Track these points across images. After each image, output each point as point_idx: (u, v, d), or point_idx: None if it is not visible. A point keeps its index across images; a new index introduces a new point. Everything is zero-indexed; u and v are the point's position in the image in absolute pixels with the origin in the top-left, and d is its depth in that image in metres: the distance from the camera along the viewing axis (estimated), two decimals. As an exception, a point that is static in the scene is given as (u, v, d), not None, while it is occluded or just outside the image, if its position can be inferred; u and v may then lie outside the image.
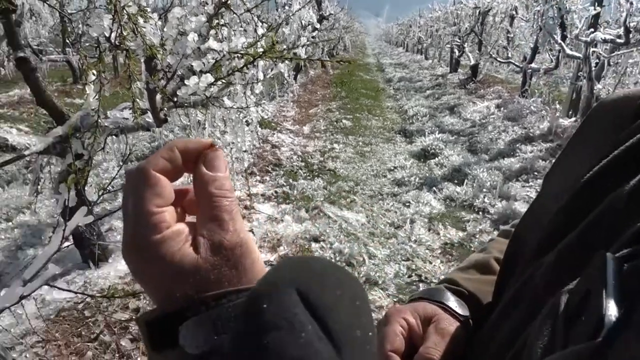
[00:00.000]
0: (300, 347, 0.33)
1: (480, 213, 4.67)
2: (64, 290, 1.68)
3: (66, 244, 3.21)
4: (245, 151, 3.92)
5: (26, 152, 2.80)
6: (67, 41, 10.58)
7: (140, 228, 0.39)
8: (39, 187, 3.19)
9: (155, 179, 0.40)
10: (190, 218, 0.45)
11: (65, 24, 9.92)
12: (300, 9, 5.15)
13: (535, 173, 5.54)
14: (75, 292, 1.74)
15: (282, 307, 0.34)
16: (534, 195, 4.92)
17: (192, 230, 0.41)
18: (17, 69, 2.93)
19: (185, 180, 0.49)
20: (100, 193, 2.13)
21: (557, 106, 7.58)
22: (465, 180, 5.42)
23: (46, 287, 3.22)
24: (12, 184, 4.57)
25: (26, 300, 2.91)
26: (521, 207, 4.51)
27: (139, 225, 0.39)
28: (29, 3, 6.93)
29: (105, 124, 2.98)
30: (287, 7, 5.98)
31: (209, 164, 0.42)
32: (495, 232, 4.13)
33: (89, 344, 2.51)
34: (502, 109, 8.67)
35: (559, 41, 7.30)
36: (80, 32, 10.34)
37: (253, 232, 3.87)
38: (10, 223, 3.89)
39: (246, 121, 4.84)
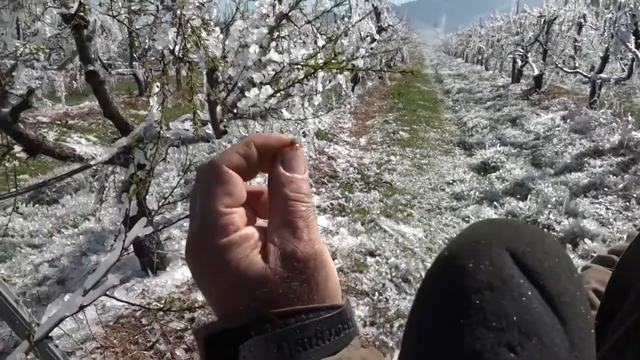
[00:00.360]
0: (522, 309, 0.29)
1: (545, 230, 4.38)
2: (121, 301, 1.69)
3: (128, 251, 3.30)
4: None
5: (92, 162, 2.89)
6: (134, 55, 11.04)
7: (205, 229, 0.37)
8: (103, 195, 3.29)
9: (227, 175, 0.38)
10: (261, 222, 0.42)
11: (133, 39, 10.35)
12: (359, 21, 5.13)
13: (606, 189, 5.22)
14: (132, 304, 1.76)
15: (494, 265, 0.30)
16: (604, 212, 4.67)
17: (262, 236, 0.38)
18: (87, 81, 3.04)
19: (260, 181, 0.45)
20: (160, 202, 2.15)
21: (630, 118, 7.16)
22: (529, 195, 5.20)
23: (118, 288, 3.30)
24: (80, 191, 4.79)
25: (90, 306, 2.98)
26: (590, 225, 4.25)
27: (205, 225, 0.37)
28: (100, 20, 7.28)
29: (167, 135, 3.04)
30: (346, 19, 5.97)
31: (287, 163, 0.40)
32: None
33: (145, 352, 2.53)
34: (568, 120, 8.29)
35: (633, 49, 6.92)
36: (146, 46, 10.79)
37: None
38: (76, 229, 4.06)
39: (303, 132, 4.85)
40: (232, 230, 0.37)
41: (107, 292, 1.79)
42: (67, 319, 1.83)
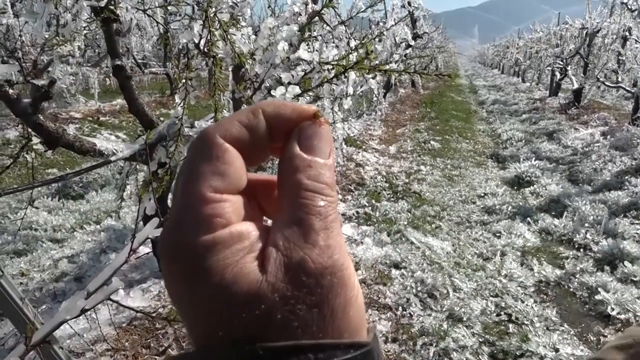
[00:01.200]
0: None
1: (582, 250, 4.26)
2: (123, 306, 1.59)
3: (146, 250, 3.23)
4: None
5: (112, 158, 2.84)
6: (168, 55, 11.15)
7: (183, 220, 0.28)
8: (124, 193, 3.24)
9: (220, 149, 0.29)
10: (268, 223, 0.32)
11: (168, 38, 10.44)
12: (394, 25, 5.01)
13: (648, 209, 4.97)
14: (136, 311, 1.65)
15: None
16: (646, 233, 4.44)
17: (262, 238, 0.29)
18: (114, 76, 3.01)
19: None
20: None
21: (675, 136, 6.88)
22: (565, 213, 5.00)
23: (122, 293, 3.24)
24: (106, 187, 4.78)
25: (102, 305, 2.92)
26: (631, 247, 4.04)
27: (182, 215, 0.28)
28: (136, 18, 7.36)
29: (190, 134, 2.96)
30: (381, 24, 5.86)
31: (306, 141, 0.31)
32: (599, 273, 3.76)
33: (156, 357, 2.44)
34: (608, 137, 8.03)
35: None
36: (180, 46, 10.89)
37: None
38: (98, 226, 4.05)
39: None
40: (219, 224, 0.28)
41: (111, 297, 1.72)
42: (80, 317, 1.76)
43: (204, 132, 0.30)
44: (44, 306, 2.99)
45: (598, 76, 10.32)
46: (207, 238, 0.27)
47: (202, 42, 2.32)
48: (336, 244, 0.29)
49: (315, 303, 0.27)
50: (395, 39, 5.45)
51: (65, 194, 4.59)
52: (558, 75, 13.46)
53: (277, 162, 0.32)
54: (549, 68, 14.61)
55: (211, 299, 0.27)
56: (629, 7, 9.26)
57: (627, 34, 9.53)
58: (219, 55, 2.37)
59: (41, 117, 2.40)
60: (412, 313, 3.11)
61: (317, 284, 0.28)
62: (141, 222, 3.31)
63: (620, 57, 9.73)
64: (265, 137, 0.30)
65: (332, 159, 0.31)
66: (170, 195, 3.34)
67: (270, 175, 0.34)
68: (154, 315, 2.03)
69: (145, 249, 3.16)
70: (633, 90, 8.81)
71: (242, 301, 0.27)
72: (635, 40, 9.28)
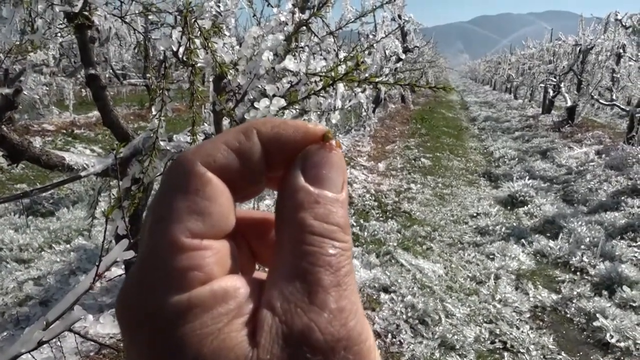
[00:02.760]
0: None
1: (578, 273, 4.16)
2: (88, 339, 1.42)
3: (118, 272, 3.05)
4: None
5: (82, 173, 2.69)
6: (147, 65, 11.04)
7: (149, 274, 0.23)
8: (96, 210, 3.08)
9: (201, 181, 0.24)
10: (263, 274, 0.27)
11: (147, 47, 10.31)
12: (384, 37, 4.92)
13: (645, 231, 4.87)
14: (100, 344, 1.48)
15: None
16: (643, 256, 4.33)
17: (255, 296, 0.24)
18: (87, 86, 2.90)
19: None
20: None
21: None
22: (560, 234, 4.89)
23: (91, 319, 3.03)
24: (78, 204, 4.59)
25: (68, 332, 2.72)
26: (629, 271, 3.94)
27: (148, 267, 0.23)
28: (115, 27, 7.20)
29: (168, 148, 2.82)
30: (370, 36, 5.78)
31: (312, 170, 0.25)
32: (597, 298, 3.64)
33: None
34: (603, 156, 8.02)
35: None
36: (161, 57, 10.81)
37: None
38: (68, 245, 3.89)
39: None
40: (196, 279, 0.22)
41: (72, 328, 1.58)
42: (44, 346, 1.62)
43: (181, 157, 0.25)
44: (4, 333, 2.84)
45: (592, 94, 10.39)
46: (181, 299, 0.22)
47: (181, 50, 2.19)
48: (351, 307, 0.24)
49: None
50: (385, 52, 5.38)
51: (34, 210, 4.39)
52: (551, 93, 13.56)
53: (275, 195, 0.27)
54: (542, 85, 14.74)
55: None
56: (623, 24, 9.30)
57: (621, 51, 9.56)
58: (199, 65, 2.23)
59: (4, 129, 2.27)
60: (402, 340, 3.00)
61: None
62: (113, 242, 3.12)
63: (614, 75, 9.75)
64: (260, 165, 0.26)
65: (345, 193, 0.26)
66: (145, 214, 3.19)
67: (266, 212, 0.30)
68: (118, 348, 1.85)
69: (118, 271, 3.00)
70: (628, 109, 8.86)
71: None
72: (629, 58, 9.30)
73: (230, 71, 2.36)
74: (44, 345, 1.58)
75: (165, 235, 0.23)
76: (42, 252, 3.85)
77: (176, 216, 0.23)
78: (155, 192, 0.24)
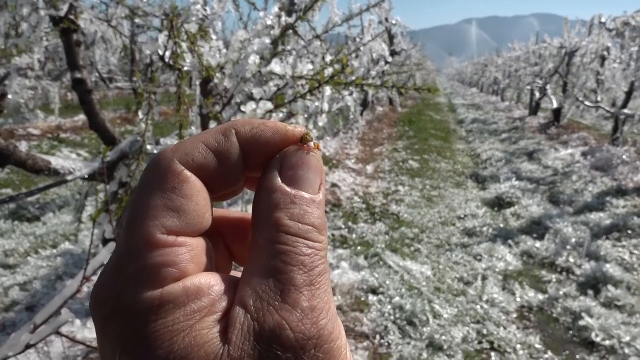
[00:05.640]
0: None
1: (564, 273, 4.18)
2: (76, 342, 1.42)
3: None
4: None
5: (69, 177, 2.67)
6: (134, 69, 10.96)
7: (124, 268, 0.23)
8: (82, 215, 3.05)
9: (178, 179, 0.24)
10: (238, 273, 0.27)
11: (133, 51, 10.24)
12: (371, 40, 4.93)
13: (629, 231, 4.93)
14: (87, 346, 1.47)
15: None
16: (627, 256, 4.36)
17: (229, 294, 0.24)
18: (73, 89, 2.87)
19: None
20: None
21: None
22: (546, 235, 4.92)
23: (78, 323, 3.02)
24: (64, 209, 4.52)
25: (54, 336, 2.69)
26: (614, 270, 3.98)
27: (123, 261, 0.23)
28: (101, 30, 7.11)
29: (154, 151, 2.80)
30: (357, 40, 5.79)
31: (289, 171, 0.26)
32: (583, 297, 3.67)
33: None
34: (588, 157, 8.08)
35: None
36: (148, 61, 10.72)
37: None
38: (54, 250, 3.83)
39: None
40: (169, 275, 0.22)
41: (60, 331, 1.58)
42: (30, 350, 1.61)
43: (159, 155, 0.25)
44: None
45: (577, 95, 10.44)
46: (153, 295, 0.22)
47: (168, 53, 2.19)
48: (323, 305, 0.24)
49: None
50: (372, 55, 5.38)
51: (20, 215, 4.31)
52: (537, 94, 13.63)
53: (252, 195, 0.27)
54: (528, 87, 14.82)
55: None
56: (607, 27, 9.38)
57: (605, 53, 9.65)
58: (185, 68, 2.24)
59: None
60: (390, 341, 3.00)
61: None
62: (100, 246, 3.10)
63: (599, 77, 9.83)
64: (238, 165, 0.26)
65: (322, 194, 0.26)
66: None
67: (243, 212, 0.30)
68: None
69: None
70: (612, 110, 8.91)
71: None
72: (613, 60, 9.39)
73: (217, 74, 2.36)
74: (31, 350, 1.57)
75: (140, 231, 0.23)
76: (28, 257, 3.78)
77: (152, 213, 0.24)
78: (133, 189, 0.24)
